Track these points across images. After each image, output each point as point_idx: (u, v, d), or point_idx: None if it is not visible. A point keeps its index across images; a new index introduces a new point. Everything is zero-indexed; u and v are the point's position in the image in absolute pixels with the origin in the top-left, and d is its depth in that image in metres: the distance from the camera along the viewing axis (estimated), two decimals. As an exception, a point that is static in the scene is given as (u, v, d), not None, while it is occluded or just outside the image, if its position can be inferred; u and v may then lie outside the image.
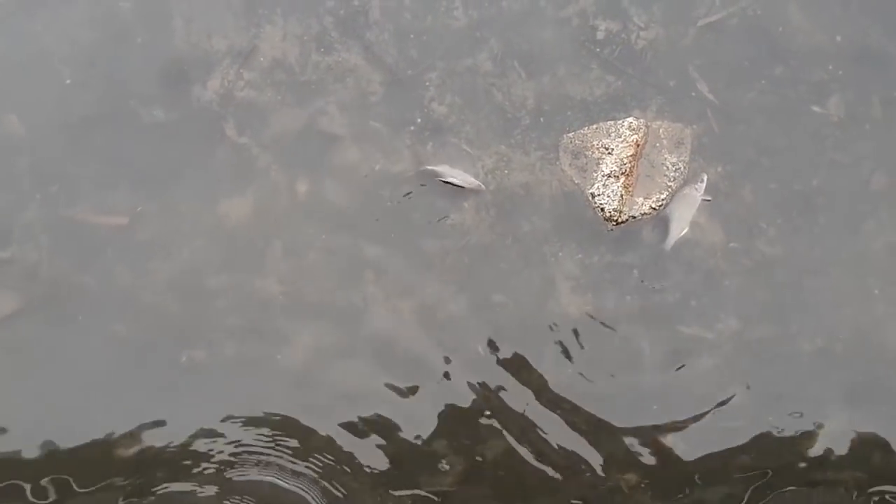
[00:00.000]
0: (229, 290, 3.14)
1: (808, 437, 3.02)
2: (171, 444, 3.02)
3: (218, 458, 3.05)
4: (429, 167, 3.14)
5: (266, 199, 3.17)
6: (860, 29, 3.20)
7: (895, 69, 3.17)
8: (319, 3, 3.27)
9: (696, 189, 3.10)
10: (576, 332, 3.10)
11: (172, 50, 3.26)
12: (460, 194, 3.15)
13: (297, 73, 3.24)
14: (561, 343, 3.10)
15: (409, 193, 3.11)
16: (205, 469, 3.03)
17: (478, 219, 3.15)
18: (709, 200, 3.10)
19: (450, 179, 3.12)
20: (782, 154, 3.14)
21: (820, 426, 3.02)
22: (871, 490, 2.99)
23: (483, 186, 3.13)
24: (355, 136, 3.21)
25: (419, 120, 3.21)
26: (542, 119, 3.22)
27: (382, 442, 3.02)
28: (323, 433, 3.03)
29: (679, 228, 3.09)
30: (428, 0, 3.26)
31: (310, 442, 3.04)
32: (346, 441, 3.03)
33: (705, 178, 3.10)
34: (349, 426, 3.05)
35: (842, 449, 3.01)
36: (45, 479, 2.99)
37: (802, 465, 3.01)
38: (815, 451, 3.01)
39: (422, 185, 3.13)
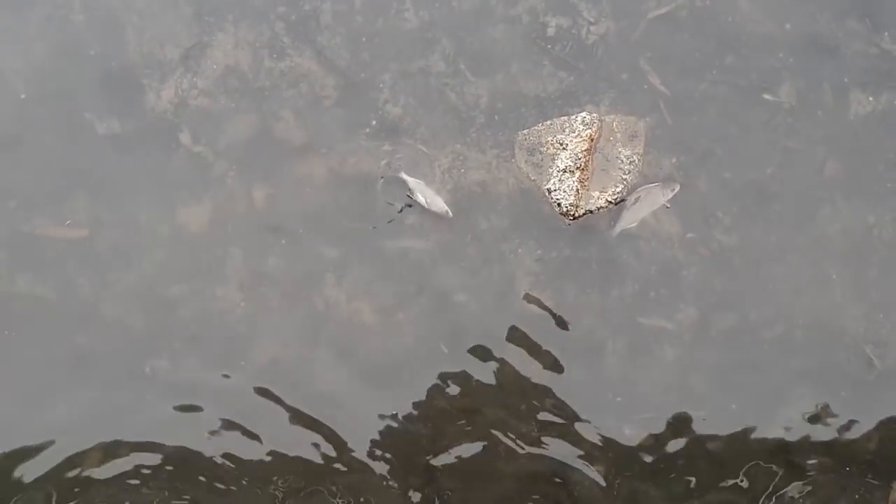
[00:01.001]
0: (190, 298, 3.15)
1: (772, 423, 3.04)
2: (134, 453, 3.04)
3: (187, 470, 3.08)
4: (404, 176, 3.15)
5: (224, 206, 3.18)
6: (809, 16, 3.22)
7: (845, 55, 3.19)
8: (270, 9, 3.28)
9: (664, 194, 3.12)
10: (537, 328, 3.11)
11: (126, 61, 3.27)
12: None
13: (250, 80, 3.25)
14: (523, 339, 3.12)
15: (381, 179, 3.11)
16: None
17: (436, 219, 3.17)
18: (668, 207, 3.12)
19: (418, 198, 3.13)
20: (736, 143, 3.16)
21: (783, 412, 3.04)
22: (835, 473, 3.02)
23: (450, 214, 3.13)
24: (311, 140, 3.22)
25: (374, 122, 3.23)
26: (496, 117, 3.23)
27: (348, 443, 3.04)
28: (286, 438, 3.06)
29: (630, 220, 3.12)
30: (378, 3, 3.28)
31: (275, 450, 3.07)
32: (314, 446, 3.06)
33: (677, 188, 3.12)
34: (314, 430, 3.08)
35: (805, 434, 3.03)
36: None
37: (767, 451, 3.03)
38: (779, 437, 3.04)
39: (388, 202, 3.14)
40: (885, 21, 3.22)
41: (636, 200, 3.14)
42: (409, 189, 3.14)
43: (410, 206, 3.13)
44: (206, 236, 3.17)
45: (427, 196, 3.14)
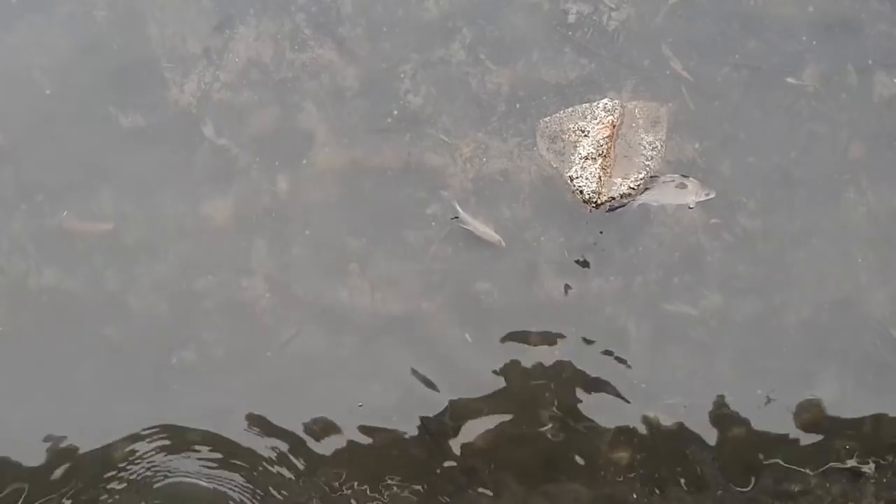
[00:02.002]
0: (216, 290, 3.20)
1: (798, 408, 3.05)
2: (162, 443, 3.10)
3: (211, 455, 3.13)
4: (455, 205, 3.17)
5: (248, 198, 3.23)
6: (831, -2, 3.23)
7: (868, 36, 3.19)
8: (291, 1, 3.32)
9: (697, 194, 3.13)
10: (561, 316, 3.14)
11: (149, 55, 3.33)
12: (439, 187, 3.20)
13: (272, 72, 3.29)
14: (547, 327, 3.14)
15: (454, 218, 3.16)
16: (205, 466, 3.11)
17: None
18: (691, 208, 3.14)
19: (470, 227, 3.16)
20: (759, 127, 3.17)
21: (809, 397, 3.05)
22: (863, 459, 3.02)
23: (503, 243, 3.15)
24: (333, 131, 3.26)
25: (396, 112, 3.26)
26: (517, 105, 3.25)
27: (378, 427, 3.09)
28: (312, 428, 3.11)
29: (653, 198, 3.15)
30: (399, -8, 3.32)
31: (302, 440, 3.12)
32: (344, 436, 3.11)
33: (712, 195, 3.12)
34: (342, 420, 3.12)
35: (832, 419, 3.04)
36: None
37: (793, 436, 3.04)
38: (805, 421, 3.05)
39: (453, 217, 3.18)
40: (909, 2, 3.22)
41: (666, 183, 3.16)
42: (461, 218, 3.17)
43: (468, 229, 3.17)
44: (230, 228, 3.22)
45: (478, 226, 3.18)
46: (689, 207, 3.16)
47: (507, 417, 3.09)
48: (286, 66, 3.29)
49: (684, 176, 3.18)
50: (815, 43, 3.20)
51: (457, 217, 3.16)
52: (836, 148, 3.15)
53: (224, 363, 3.16)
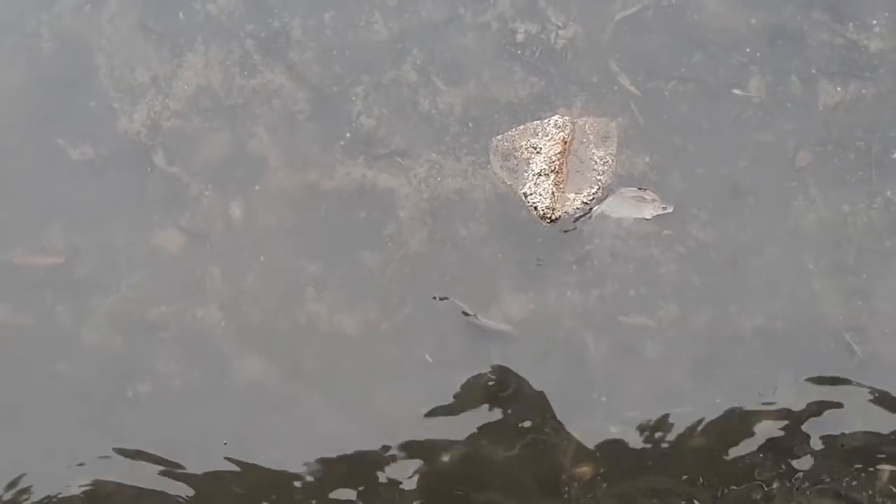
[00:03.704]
0: (171, 320, 3.22)
1: (757, 415, 3.13)
2: (122, 479, 3.09)
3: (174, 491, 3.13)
4: (459, 303, 3.21)
5: (201, 226, 3.26)
6: (773, 9, 3.33)
7: (811, 46, 3.30)
8: (239, 28, 3.37)
9: (654, 209, 3.21)
10: (520, 332, 3.20)
11: (96, 86, 3.36)
12: (395, 207, 3.25)
13: (222, 99, 3.34)
14: (507, 343, 3.20)
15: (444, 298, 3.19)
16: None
17: (414, 227, 3.25)
18: (648, 220, 3.22)
19: (480, 322, 3.20)
20: (707, 139, 3.26)
21: (767, 403, 3.12)
22: (821, 460, 3.10)
23: (516, 332, 3.19)
24: (285, 155, 3.30)
25: (349, 135, 3.31)
26: (470, 124, 3.32)
27: (331, 457, 3.11)
28: (273, 457, 3.13)
29: (611, 209, 3.22)
30: (348, 16, 3.37)
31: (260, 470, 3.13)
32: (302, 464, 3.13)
33: (670, 210, 3.21)
34: (301, 451, 3.14)
35: (790, 424, 3.12)
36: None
37: (753, 444, 3.11)
38: (765, 428, 3.12)
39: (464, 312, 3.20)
40: (849, 11, 3.33)
41: (625, 196, 3.24)
42: (470, 314, 3.21)
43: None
44: (184, 257, 3.25)
45: (492, 323, 3.21)
46: (646, 220, 3.24)
47: (469, 436, 3.14)
48: (236, 91, 3.34)
49: (641, 189, 3.27)
50: (759, 54, 3.31)
51: (467, 314, 3.19)
52: (783, 157, 3.25)
53: (181, 394, 3.18)
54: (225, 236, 3.25)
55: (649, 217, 3.24)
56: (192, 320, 3.21)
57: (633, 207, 3.25)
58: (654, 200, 3.24)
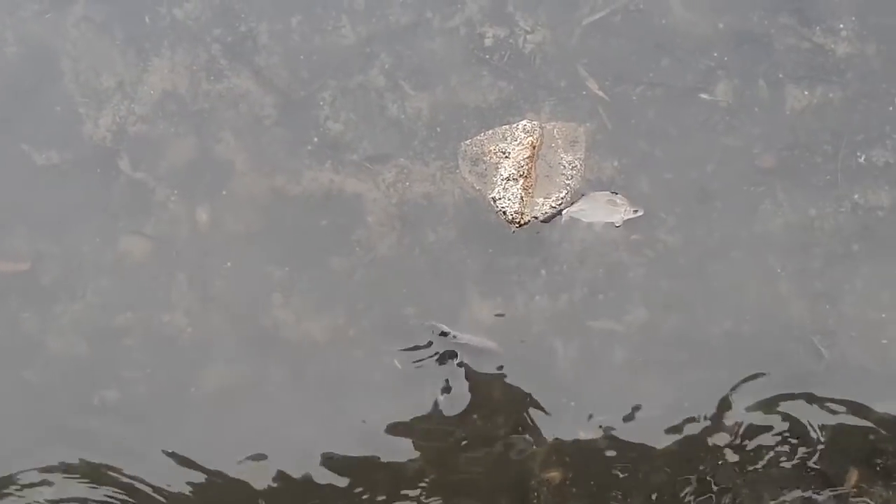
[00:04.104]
0: (136, 326, 3.21)
1: (725, 419, 3.14)
2: (90, 484, 3.08)
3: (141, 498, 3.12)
4: (449, 332, 3.20)
5: (167, 231, 3.25)
6: (741, 14, 3.36)
7: (778, 50, 3.33)
8: (206, 32, 3.37)
9: (625, 212, 3.22)
10: (489, 336, 3.20)
11: (62, 91, 3.35)
12: (363, 212, 3.25)
13: (188, 103, 3.33)
14: (484, 354, 3.20)
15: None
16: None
17: (382, 233, 3.25)
18: (618, 227, 3.23)
19: (464, 339, 3.18)
20: (675, 144, 3.28)
21: (735, 407, 3.14)
22: (789, 463, 3.12)
23: (500, 349, 3.18)
24: (252, 160, 3.30)
25: (316, 139, 3.31)
26: (438, 129, 3.33)
27: (300, 467, 3.11)
28: (241, 467, 3.12)
29: (581, 212, 3.23)
30: (315, 20, 3.38)
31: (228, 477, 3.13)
32: (263, 471, 3.12)
33: (640, 213, 3.22)
34: (270, 456, 3.14)
35: (759, 427, 3.14)
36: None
37: (722, 446, 3.13)
38: (733, 432, 3.13)
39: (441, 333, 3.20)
40: (816, 15, 3.36)
41: (596, 199, 3.26)
42: (453, 335, 3.19)
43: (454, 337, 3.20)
44: (150, 263, 3.24)
45: (473, 339, 3.21)
46: (616, 225, 3.26)
47: (438, 442, 3.14)
48: (202, 96, 3.34)
49: (613, 193, 3.28)
50: (726, 59, 3.33)
51: (446, 334, 3.18)
52: (750, 161, 3.27)
53: (147, 400, 3.17)
54: (191, 242, 3.24)
55: (620, 221, 3.25)
56: (159, 326, 3.20)
57: (604, 211, 3.26)
58: (624, 204, 3.26)
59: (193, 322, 3.19)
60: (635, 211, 3.25)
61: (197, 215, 3.26)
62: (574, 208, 3.25)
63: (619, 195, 3.25)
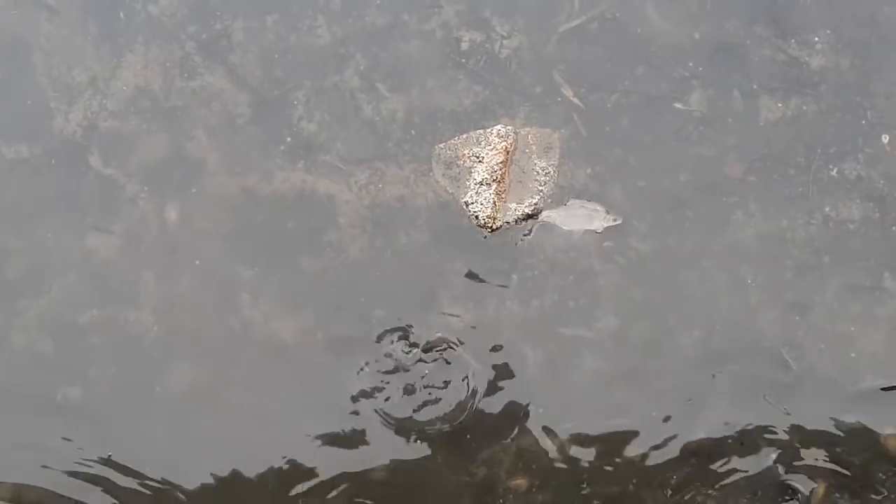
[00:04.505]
0: (102, 324, 3.19)
1: (693, 428, 3.15)
2: (49, 486, 3.05)
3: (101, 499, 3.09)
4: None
5: (135, 228, 3.24)
6: (717, 24, 3.38)
7: (753, 61, 3.36)
8: (181, 29, 3.36)
9: (605, 220, 3.24)
10: (459, 342, 3.20)
11: (33, 85, 3.33)
12: (335, 214, 3.25)
13: (161, 100, 3.32)
14: (444, 352, 3.20)
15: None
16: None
17: (354, 234, 3.25)
18: (598, 233, 3.24)
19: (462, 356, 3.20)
20: (649, 152, 3.30)
21: (703, 417, 3.15)
22: (757, 474, 3.13)
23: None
24: (225, 159, 3.29)
25: (289, 139, 3.31)
26: (413, 132, 3.33)
27: (268, 471, 3.09)
28: (202, 466, 3.10)
29: (559, 219, 3.24)
30: (290, 19, 3.38)
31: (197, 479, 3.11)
32: (231, 473, 3.10)
33: (619, 221, 3.24)
34: (235, 460, 3.12)
35: (727, 437, 3.15)
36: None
37: (689, 456, 3.13)
38: (701, 441, 3.14)
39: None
40: (792, 27, 3.39)
41: (575, 208, 3.26)
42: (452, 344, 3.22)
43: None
44: (117, 260, 3.22)
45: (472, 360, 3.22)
46: (597, 233, 3.26)
47: (404, 448, 3.12)
48: (176, 93, 3.33)
49: (591, 201, 3.29)
50: (701, 69, 3.36)
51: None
52: (723, 171, 3.29)
53: (112, 399, 3.14)
54: (160, 240, 3.23)
55: (600, 229, 3.26)
56: (125, 324, 3.18)
57: (583, 219, 3.27)
58: (603, 212, 3.27)
59: (160, 321, 3.17)
60: (615, 219, 3.26)
61: (166, 213, 3.24)
62: (553, 218, 3.26)
63: (596, 203, 3.26)
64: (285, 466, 3.10)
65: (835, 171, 3.28)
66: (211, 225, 3.24)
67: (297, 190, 3.28)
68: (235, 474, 3.11)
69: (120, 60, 3.34)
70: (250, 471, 3.11)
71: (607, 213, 3.26)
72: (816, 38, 3.37)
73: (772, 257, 3.24)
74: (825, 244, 3.24)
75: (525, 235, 3.24)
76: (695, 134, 3.31)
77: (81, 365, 3.15)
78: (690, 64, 3.36)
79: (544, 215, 3.26)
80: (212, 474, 3.11)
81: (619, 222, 3.27)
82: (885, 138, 3.31)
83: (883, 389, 3.11)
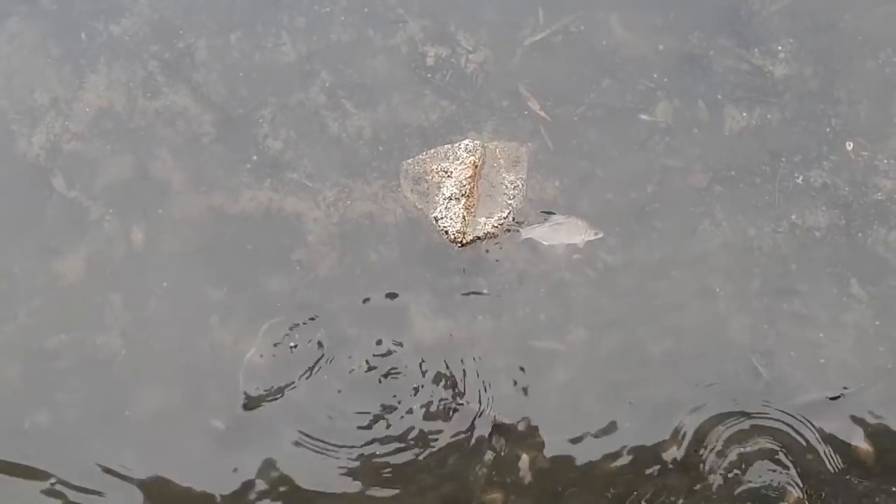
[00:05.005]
0: (69, 349, 3.18)
1: (665, 438, 3.18)
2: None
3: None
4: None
5: (101, 251, 3.24)
6: (681, 36, 3.44)
7: (717, 72, 3.41)
8: (143, 49, 3.37)
9: (586, 234, 3.27)
10: (432, 357, 3.21)
11: (-6, 108, 3.33)
12: (303, 232, 3.26)
13: (124, 121, 3.33)
14: (418, 369, 3.21)
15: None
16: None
17: (323, 252, 3.26)
18: (580, 248, 3.27)
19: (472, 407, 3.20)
20: (616, 164, 3.34)
21: (675, 427, 3.18)
22: (729, 484, 3.17)
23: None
24: (190, 179, 3.30)
25: (255, 157, 3.32)
26: (380, 148, 3.35)
27: (234, 488, 3.09)
28: (176, 491, 3.09)
29: (542, 236, 3.27)
30: (254, 37, 3.39)
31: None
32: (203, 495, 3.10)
33: (600, 235, 3.27)
34: (207, 483, 3.12)
35: (699, 447, 3.18)
36: None
37: (664, 468, 3.17)
38: (674, 452, 3.18)
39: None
40: (755, 37, 3.45)
41: (557, 223, 3.29)
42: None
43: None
44: (84, 283, 3.22)
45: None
46: (579, 247, 3.29)
47: (378, 463, 3.13)
48: (139, 113, 3.33)
49: (571, 216, 3.31)
50: (666, 80, 3.40)
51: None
52: (690, 182, 3.34)
53: (80, 425, 3.13)
54: (126, 262, 3.23)
55: (581, 244, 3.29)
56: (92, 348, 3.17)
57: (565, 234, 3.30)
58: (584, 227, 3.29)
59: (128, 344, 3.17)
60: (595, 233, 3.30)
61: (132, 235, 3.24)
62: (535, 234, 3.29)
63: (578, 218, 3.29)
64: (256, 491, 3.10)
65: (800, 178, 3.34)
66: (178, 246, 3.24)
67: (265, 208, 3.29)
68: (206, 498, 3.11)
69: (82, 81, 3.34)
70: (219, 495, 3.11)
71: (589, 227, 3.29)
72: (780, 48, 3.43)
73: (739, 266, 3.29)
74: (792, 252, 3.29)
75: (495, 249, 3.27)
76: (661, 145, 3.36)
77: (49, 390, 3.13)
78: (655, 75, 3.41)
79: (526, 233, 3.29)
80: (182, 498, 3.11)
81: (600, 236, 3.30)
82: (850, 145, 3.38)
83: (830, 399, 3.16)
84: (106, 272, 3.22)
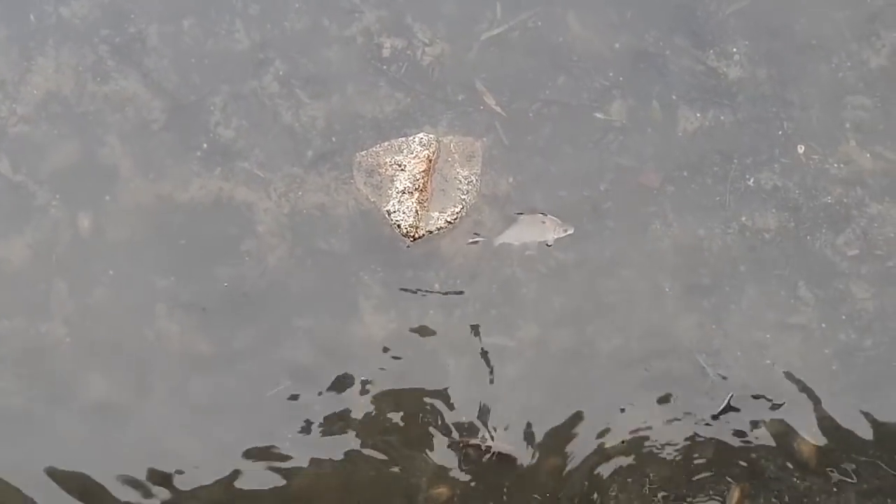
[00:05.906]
0: (13, 336, 3.18)
1: (613, 436, 3.25)
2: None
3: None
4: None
5: (47, 237, 3.23)
6: (637, 35, 3.49)
7: (672, 72, 3.47)
8: (93, 32, 3.36)
9: (555, 231, 3.32)
10: (382, 352, 3.25)
11: (-63, 87, 3.30)
12: (253, 222, 3.28)
13: (73, 105, 3.31)
14: (367, 363, 3.25)
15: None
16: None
17: (273, 243, 3.27)
18: (549, 245, 3.33)
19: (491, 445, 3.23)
20: (570, 161, 3.39)
21: (623, 425, 3.25)
22: (674, 481, 3.25)
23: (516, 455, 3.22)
24: (139, 165, 3.30)
25: (205, 145, 3.32)
26: (333, 139, 3.37)
27: (178, 478, 3.11)
28: (121, 479, 3.11)
29: (514, 237, 3.32)
30: (208, 24, 3.39)
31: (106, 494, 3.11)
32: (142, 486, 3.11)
33: (571, 231, 3.32)
34: (148, 473, 3.13)
35: (645, 445, 3.26)
36: None
37: (610, 465, 3.23)
38: (620, 449, 3.25)
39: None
40: (710, 38, 3.52)
41: (525, 223, 3.34)
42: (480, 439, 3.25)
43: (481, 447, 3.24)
44: (28, 270, 3.21)
45: (499, 443, 3.24)
46: (548, 245, 3.34)
47: (323, 459, 3.17)
48: (88, 98, 3.32)
49: (543, 213, 3.36)
50: (621, 79, 3.46)
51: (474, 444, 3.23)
52: (642, 181, 3.40)
53: (22, 413, 3.12)
54: (72, 249, 3.22)
55: (551, 241, 3.33)
56: (36, 336, 3.17)
57: (535, 232, 3.35)
58: (555, 224, 3.34)
59: (73, 332, 3.17)
60: (565, 230, 3.35)
61: (79, 221, 3.23)
62: (505, 236, 3.33)
63: (547, 215, 3.34)
64: (201, 480, 3.12)
65: (751, 180, 3.42)
66: (125, 233, 3.24)
67: (214, 197, 3.30)
68: (149, 487, 3.11)
69: (30, 64, 3.32)
70: (165, 484, 3.13)
71: (559, 224, 3.34)
72: (734, 50, 3.50)
73: (689, 266, 3.36)
74: (741, 253, 3.37)
75: (447, 244, 3.31)
76: (615, 143, 3.42)
77: (-10, 378, 3.14)
78: (611, 74, 3.46)
79: (499, 240, 3.33)
80: (127, 488, 3.11)
81: (570, 233, 3.35)
82: (801, 148, 3.46)
83: (713, 417, 3.26)
84: (51, 259, 3.21)
